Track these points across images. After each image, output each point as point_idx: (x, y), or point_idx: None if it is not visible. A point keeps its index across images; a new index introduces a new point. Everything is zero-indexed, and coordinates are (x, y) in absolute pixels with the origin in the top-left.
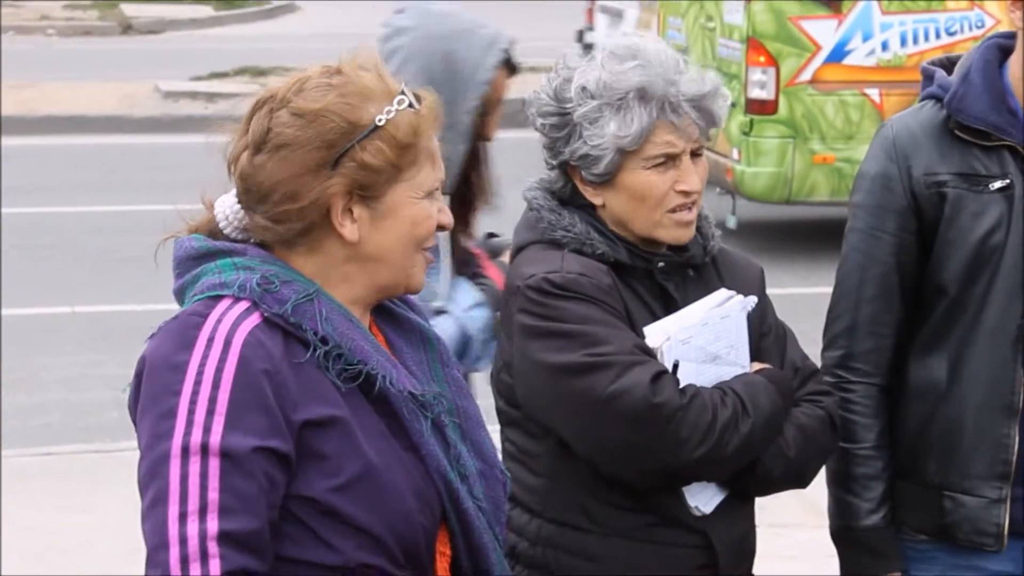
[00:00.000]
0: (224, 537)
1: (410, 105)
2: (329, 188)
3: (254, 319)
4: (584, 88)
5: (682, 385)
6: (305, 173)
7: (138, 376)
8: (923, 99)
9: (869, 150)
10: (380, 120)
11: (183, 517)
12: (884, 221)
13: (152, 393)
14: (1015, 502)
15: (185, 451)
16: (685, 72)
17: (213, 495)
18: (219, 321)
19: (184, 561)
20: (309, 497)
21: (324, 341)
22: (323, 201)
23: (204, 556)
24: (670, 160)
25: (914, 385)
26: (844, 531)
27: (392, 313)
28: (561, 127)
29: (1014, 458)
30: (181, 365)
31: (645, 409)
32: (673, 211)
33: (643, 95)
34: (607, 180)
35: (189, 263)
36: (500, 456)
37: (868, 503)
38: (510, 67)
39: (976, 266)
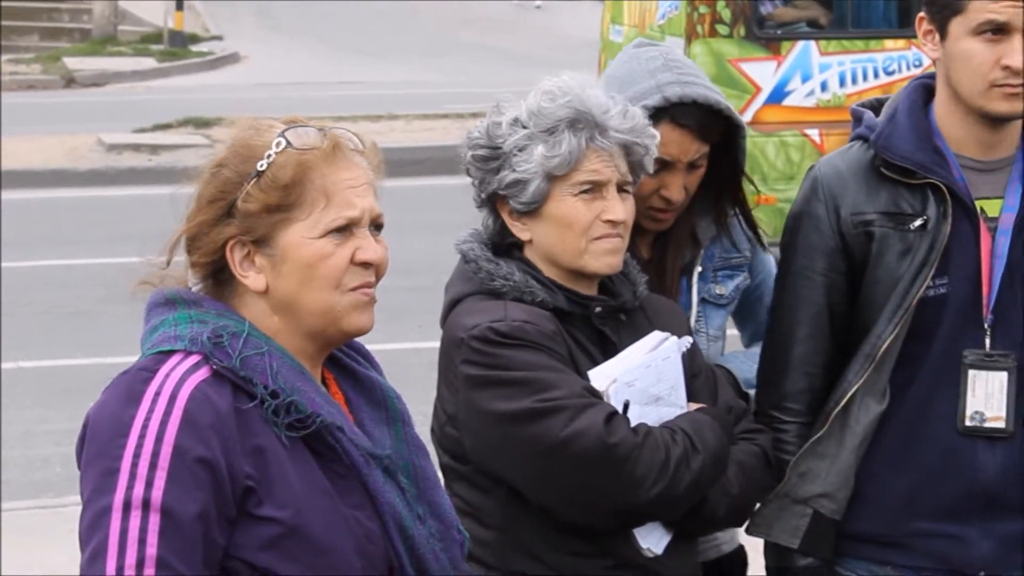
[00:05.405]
0: None
1: (289, 145)
2: (220, 235)
3: (202, 373)
4: (516, 119)
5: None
6: (208, 223)
7: (84, 428)
8: (852, 140)
9: (798, 192)
10: (261, 166)
11: (120, 571)
12: (814, 261)
13: (97, 447)
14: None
15: (127, 505)
16: (614, 109)
17: (151, 550)
18: (167, 376)
19: None
20: (244, 555)
21: (275, 395)
22: (218, 249)
23: None
24: (596, 189)
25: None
26: (780, 572)
27: (352, 371)
28: (491, 159)
29: None
30: (127, 420)
31: (601, 450)
32: (598, 239)
33: (573, 125)
34: (534, 210)
35: (156, 309)
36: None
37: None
38: None
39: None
